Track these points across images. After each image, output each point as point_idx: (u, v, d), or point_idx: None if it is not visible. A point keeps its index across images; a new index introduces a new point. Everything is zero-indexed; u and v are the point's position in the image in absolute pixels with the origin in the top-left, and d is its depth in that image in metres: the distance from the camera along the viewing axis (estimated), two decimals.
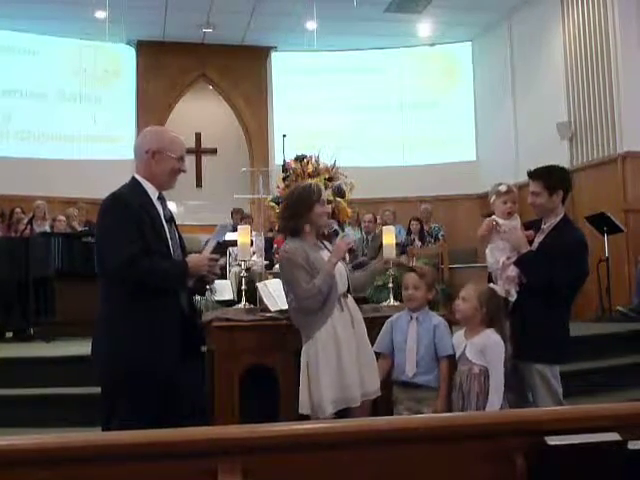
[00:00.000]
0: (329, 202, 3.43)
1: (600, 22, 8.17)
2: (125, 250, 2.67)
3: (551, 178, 3.48)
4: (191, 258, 2.87)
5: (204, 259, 2.85)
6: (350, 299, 3.40)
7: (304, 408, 3.22)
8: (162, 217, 2.86)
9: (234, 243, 4.64)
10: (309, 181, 3.97)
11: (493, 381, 3.32)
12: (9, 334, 6.71)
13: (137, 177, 2.88)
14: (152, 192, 2.87)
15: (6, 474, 1.41)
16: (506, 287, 3.50)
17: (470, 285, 3.57)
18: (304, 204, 3.32)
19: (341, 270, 3.36)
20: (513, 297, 3.48)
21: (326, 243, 3.52)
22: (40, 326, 6.59)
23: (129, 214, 2.73)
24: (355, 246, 7.87)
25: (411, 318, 3.63)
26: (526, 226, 3.64)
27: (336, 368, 3.20)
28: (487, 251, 3.70)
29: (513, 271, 3.46)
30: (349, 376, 3.20)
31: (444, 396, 3.49)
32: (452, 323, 3.68)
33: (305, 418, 3.21)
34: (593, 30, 8.29)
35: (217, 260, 2.91)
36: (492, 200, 3.74)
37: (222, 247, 3.04)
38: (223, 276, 6.80)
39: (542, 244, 3.48)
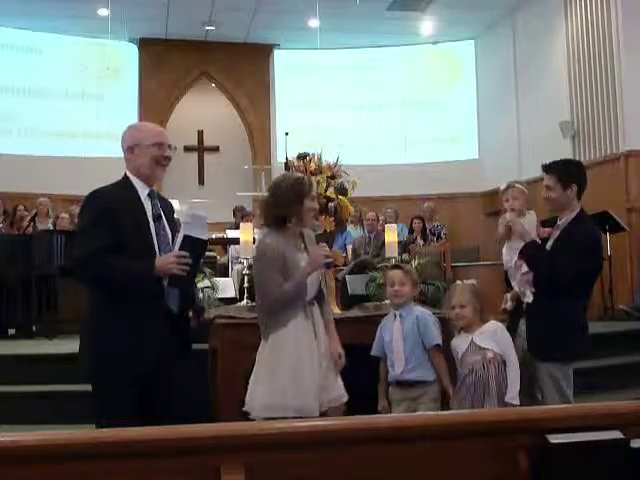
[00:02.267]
0: (331, 200, 3.34)
1: (603, 21, 8.15)
2: (87, 247, 2.62)
3: (565, 172, 3.41)
4: (158, 258, 2.73)
5: (169, 257, 2.69)
6: (316, 308, 3.18)
7: (245, 405, 3.06)
8: (148, 214, 2.77)
9: (236, 241, 4.64)
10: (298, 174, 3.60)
11: (511, 363, 3.33)
12: (12, 331, 6.71)
13: (128, 174, 2.84)
14: (142, 189, 2.80)
15: (8, 471, 1.42)
16: (521, 288, 3.46)
17: (458, 289, 3.53)
18: (295, 195, 3.09)
19: (314, 276, 3.13)
20: (529, 298, 3.42)
21: (307, 243, 3.21)
22: (43, 323, 6.61)
23: (102, 210, 2.67)
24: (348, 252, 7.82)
25: (395, 316, 3.62)
26: (544, 224, 3.58)
27: (293, 374, 3.01)
28: (504, 249, 3.65)
29: (529, 273, 3.40)
30: (306, 384, 3.01)
31: (448, 381, 3.50)
32: (450, 320, 3.64)
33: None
34: (596, 29, 8.27)
35: (186, 257, 2.69)
36: None
37: (199, 242, 2.84)
38: (225, 274, 6.82)
39: (557, 240, 3.41)
